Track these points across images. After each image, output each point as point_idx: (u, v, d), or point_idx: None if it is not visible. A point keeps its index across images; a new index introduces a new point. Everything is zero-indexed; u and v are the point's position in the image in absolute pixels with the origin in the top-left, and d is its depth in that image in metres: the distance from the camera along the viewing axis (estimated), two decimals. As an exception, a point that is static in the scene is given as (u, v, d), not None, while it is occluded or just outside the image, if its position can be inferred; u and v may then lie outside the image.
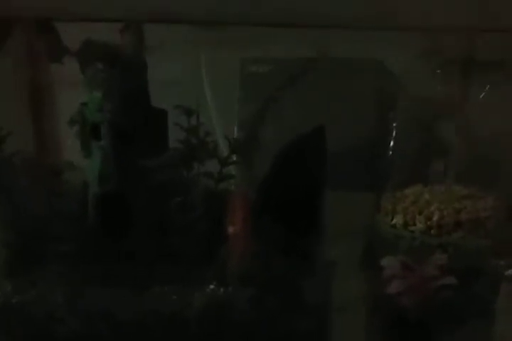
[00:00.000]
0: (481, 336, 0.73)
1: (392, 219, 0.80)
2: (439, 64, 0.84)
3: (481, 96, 0.83)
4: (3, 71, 0.75)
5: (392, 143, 0.90)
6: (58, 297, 0.68)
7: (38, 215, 0.72)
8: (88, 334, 0.68)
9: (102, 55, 0.70)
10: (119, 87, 0.70)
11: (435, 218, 0.78)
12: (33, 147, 0.80)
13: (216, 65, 0.93)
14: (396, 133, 0.91)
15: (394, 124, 0.91)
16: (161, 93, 0.74)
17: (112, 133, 0.70)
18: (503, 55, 0.79)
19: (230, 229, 0.75)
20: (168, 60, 0.82)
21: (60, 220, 0.72)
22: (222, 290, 0.68)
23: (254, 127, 0.93)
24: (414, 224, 0.78)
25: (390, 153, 0.90)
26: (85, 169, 0.73)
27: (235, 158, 0.81)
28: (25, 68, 0.72)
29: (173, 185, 0.76)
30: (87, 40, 0.70)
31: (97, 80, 0.69)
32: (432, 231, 0.78)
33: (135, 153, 0.71)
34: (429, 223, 0.78)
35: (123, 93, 0.70)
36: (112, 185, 0.71)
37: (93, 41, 0.71)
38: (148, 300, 0.68)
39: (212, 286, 0.69)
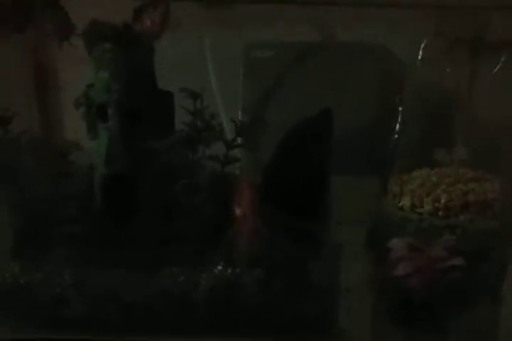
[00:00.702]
0: (487, 318, 0.73)
1: (399, 202, 0.80)
2: (448, 45, 0.83)
3: (491, 76, 0.83)
4: (7, 51, 0.74)
5: (398, 127, 0.90)
6: (65, 279, 0.68)
7: (44, 197, 0.72)
8: (95, 316, 0.68)
9: (108, 35, 0.69)
10: (126, 67, 0.69)
11: (443, 200, 0.77)
12: (38, 128, 0.80)
13: (220, 48, 0.93)
14: (402, 117, 0.90)
15: (400, 108, 0.91)
16: (167, 76, 0.74)
17: (118, 114, 0.69)
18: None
19: (237, 212, 0.74)
20: (173, 42, 0.81)
21: (66, 202, 0.72)
22: (229, 271, 0.68)
23: (259, 110, 0.93)
24: (422, 206, 0.78)
25: (396, 136, 0.89)
26: (92, 151, 0.72)
27: (240, 141, 0.81)
28: (31, 47, 0.72)
29: (179, 167, 0.76)
30: (94, 20, 0.70)
31: (104, 60, 0.69)
32: (440, 213, 0.77)
33: (142, 135, 0.71)
34: (436, 205, 0.78)
35: (130, 74, 0.70)
36: (118, 166, 0.70)
37: (100, 21, 0.70)
38: (156, 282, 0.68)
39: (219, 267, 0.68)
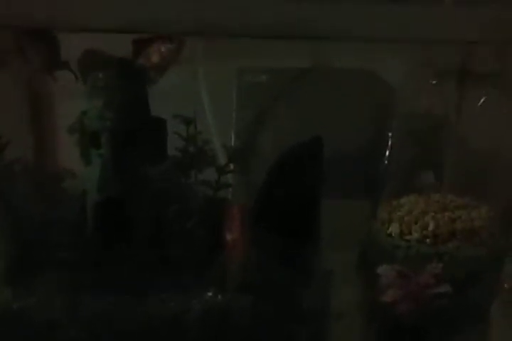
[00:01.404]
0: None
1: (388, 228, 0.81)
2: (435, 75, 0.85)
3: (477, 106, 0.84)
4: (2, 80, 0.75)
5: (387, 153, 0.91)
6: (58, 304, 0.68)
7: (37, 223, 0.73)
8: (88, 340, 0.68)
9: (102, 64, 0.70)
10: (120, 95, 0.70)
11: (430, 228, 0.78)
12: (32, 155, 0.81)
13: (213, 75, 0.94)
14: (391, 143, 0.91)
15: (389, 134, 0.92)
16: (159, 102, 0.75)
17: (111, 141, 0.70)
18: (498, 66, 0.80)
19: (228, 237, 0.75)
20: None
21: (59, 228, 0.73)
22: (220, 297, 0.69)
23: (251, 136, 0.94)
24: (410, 233, 0.79)
25: (386, 162, 0.91)
26: (84, 177, 0.73)
27: (232, 166, 0.82)
28: (25, 77, 0.73)
29: (171, 193, 0.77)
30: (88, 49, 0.71)
31: (98, 89, 0.70)
32: (428, 241, 0.78)
33: (134, 161, 0.72)
34: (424, 232, 0.78)
35: (123, 101, 0.71)
36: (111, 192, 0.71)
37: (94, 50, 0.71)
38: (147, 307, 0.69)
39: (210, 293, 0.69)
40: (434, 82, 0.84)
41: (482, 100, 0.84)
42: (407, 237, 0.79)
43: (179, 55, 0.72)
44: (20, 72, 0.69)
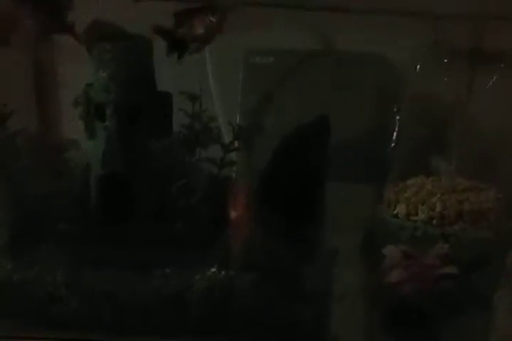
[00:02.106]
0: (478, 326, 0.73)
1: (394, 209, 0.80)
2: (445, 54, 0.84)
3: (488, 86, 0.83)
4: (7, 49, 0.74)
5: (395, 136, 0.90)
6: (59, 277, 0.68)
7: (39, 195, 0.72)
8: (88, 315, 0.68)
9: (109, 35, 0.69)
10: (126, 67, 0.69)
11: (438, 209, 0.78)
12: (36, 127, 0.80)
13: (220, 52, 0.93)
14: (399, 126, 0.91)
15: (397, 117, 0.91)
16: (166, 78, 0.74)
17: (116, 114, 0.70)
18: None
19: (232, 215, 0.74)
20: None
21: (62, 200, 0.72)
22: (223, 273, 0.68)
23: (257, 115, 0.93)
24: (417, 214, 0.79)
25: (393, 145, 0.90)
26: (88, 150, 0.72)
27: (237, 144, 0.81)
28: (29, 45, 0.71)
29: (175, 169, 0.76)
30: (96, 20, 0.70)
31: (104, 60, 0.69)
32: (434, 222, 0.78)
33: (139, 136, 0.71)
34: (431, 213, 0.78)
35: (129, 74, 0.70)
36: (114, 166, 0.70)
37: (101, 21, 0.70)
38: (149, 283, 0.68)
39: (213, 270, 0.68)
40: (445, 60, 0.82)
41: (493, 80, 0.83)
42: (414, 218, 0.78)
43: (221, 27, 0.70)
44: (25, 39, 0.67)
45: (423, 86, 0.89)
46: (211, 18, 0.69)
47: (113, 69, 0.69)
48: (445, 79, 0.84)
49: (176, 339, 0.67)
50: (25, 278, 0.68)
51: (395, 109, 0.91)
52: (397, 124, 0.91)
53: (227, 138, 0.82)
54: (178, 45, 0.70)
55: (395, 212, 0.80)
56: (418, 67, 0.87)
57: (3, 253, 0.70)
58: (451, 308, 0.71)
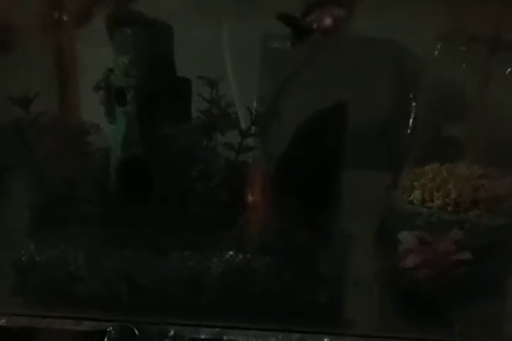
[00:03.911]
0: (492, 311, 0.73)
1: (409, 196, 0.81)
2: (463, 42, 0.84)
3: (505, 74, 0.83)
4: (29, 32, 0.75)
5: (411, 122, 0.91)
6: (80, 257, 0.69)
7: (62, 177, 0.73)
8: (108, 295, 0.69)
9: (130, 20, 0.70)
10: (146, 52, 0.70)
11: (453, 195, 0.78)
12: (58, 110, 0.81)
13: (238, 37, 0.93)
14: (415, 113, 0.91)
15: (413, 104, 0.91)
16: (185, 63, 0.75)
17: (137, 98, 0.70)
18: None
19: (249, 199, 0.75)
20: (191, 30, 0.82)
21: (83, 182, 0.73)
22: (240, 257, 0.69)
23: (274, 101, 0.94)
24: (432, 201, 0.79)
25: (409, 131, 0.90)
26: (109, 134, 0.73)
27: (254, 130, 0.82)
28: (52, 29, 0.72)
29: (194, 153, 0.77)
30: (116, 6, 0.71)
31: (125, 45, 0.70)
32: (449, 208, 0.78)
33: (159, 120, 0.72)
34: (446, 200, 0.78)
35: (149, 59, 0.70)
36: (134, 150, 0.71)
37: (122, 7, 0.71)
38: (167, 265, 0.69)
39: (230, 253, 0.70)
40: (463, 48, 0.82)
41: (511, 68, 0.83)
42: (429, 204, 0.79)
43: (347, 21, 0.71)
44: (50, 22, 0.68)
45: (440, 73, 0.89)
46: (340, 11, 0.70)
47: (134, 54, 0.70)
48: (463, 66, 0.84)
49: (192, 321, 0.69)
50: (47, 258, 0.69)
51: (411, 96, 0.91)
52: (413, 111, 0.91)
53: (244, 123, 0.83)
54: (301, 33, 0.70)
55: (410, 198, 0.81)
56: (436, 53, 0.87)
57: (27, 234, 0.72)
58: (464, 293, 0.72)
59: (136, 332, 0.66)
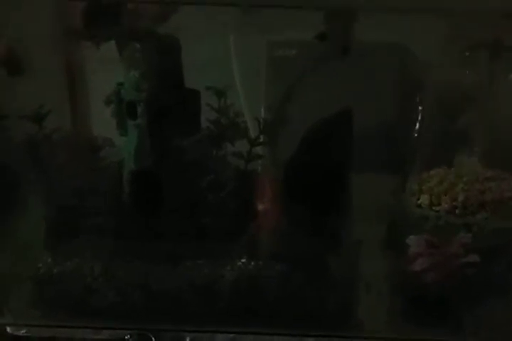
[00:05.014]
0: (500, 314, 0.74)
1: (418, 200, 0.82)
2: (467, 48, 0.85)
3: (510, 78, 0.84)
4: (42, 51, 0.77)
5: (417, 126, 0.92)
6: (96, 269, 0.71)
7: (75, 190, 0.75)
8: (123, 305, 0.71)
9: (139, 35, 0.72)
10: (156, 66, 0.72)
11: (460, 198, 0.79)
12: (71, 126, 0.83)
13: (244, 47, 0.94)
14: (422, 116, 0.92)
15: (420, 108, 0.92)
16: (193, 74, 0.76)
17: (147, 111, 0.72)
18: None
19: (259, 207, 0.77)
20: (197, 41, 0.83)
21: (97, 195, 0.75)
22: (252, 264, 0.71)
23: (281, 108, 0.95)
24: (440, 204, 0.80)
25: (416, 135, 0.91)
26: (121, 147, 0.75)
27: (262, 138, 0.83)
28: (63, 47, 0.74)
29: (204, 164, 0.78)
30: (124, 22, 0.72)
31: (135, 60, 0.71)
32: (457, 212, 0.79)
33: (169, 132, 0.74)
34: (454, 203, 0.79)
35: (159, 73, 0.72)
36: (146, 162, 0.73)
37: (130, 22, 0.72)
38: (182, 274, 0.71)
39: (243, 260, 0.71)
40: (467, 54, 0.83)
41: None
42: (437, 208, 0.80)
43: None
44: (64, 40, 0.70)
45: (446, 76, 0.89)
46: None
47: (144, 68, 0.71)
48: (467, 72, 0.85)
49: (208, 327, 0.70)
50: (64, 270, 0.71)
51: (417, 100, 0.92)
52: (419, 115, 0.92)
53: (252, 132, 0.84)
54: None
55: (418, 202, 0.81)
56: (441, 58, 0.88)
57: (44, 247, 0.74)
58: (473, 296, 0.73)
59: (153, 339, 0.68)
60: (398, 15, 0.84)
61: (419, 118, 0.92)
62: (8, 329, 0.70)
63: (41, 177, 0.76)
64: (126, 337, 0.68)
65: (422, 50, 0.92)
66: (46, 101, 0.75)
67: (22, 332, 0.69)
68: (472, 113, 0.90)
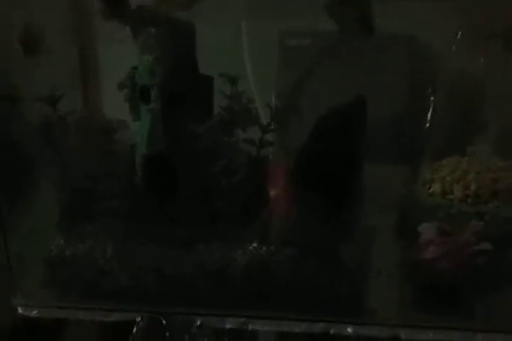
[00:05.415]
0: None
1: (429, 188, 0.82)
2: (481, 36, 0.84)
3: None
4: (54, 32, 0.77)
5: (429, 116, 0.91)
6: (108, 251, 0.71)
7: (89, 173, 0.75)
8: (135, 287, 0.71)
9: (154, 20, 0.71)
10: (171, 51, 0.72)
11: (472, 187, 0.79)
12: (85, 109, 0.83)
13: (256, 35, 0.94)
14: (434, 106, 0.91)
15: (432, 98, 0.92)
16: (205, 61, 0.76)
17: (161, 96, 0.72)
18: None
19: (271, 193, 0.77)
20: (210, 28, 0.83)
21: (109, 179, 0.75)
22: (264, 249, 0.71)
23: (292, 97, 0.95)
24: (452, 193, 0.80)
25: (428, 125, 0.91)
26: (134, 131, 0.75)
27: (274, 125, 0.83)
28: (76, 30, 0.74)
29: (216, 149, 0.78)
30: (140, 5, 0.72)
31: (149, 45, 0.71)
32: (469, 200, 0.79)
33: (182, 117, 0.74)
34: (466, 192, 0.79)
35: (173, 58, 0.72)
36: (158, 147, 0.73)
37: (145, 6, 0.72)
38: (194, 258, 0.71)
39: (254, 245, 0.71)
40: (479, 42, 0.83)
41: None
42: (449, 197, 0.80)
43: None
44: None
45: (458, 66, 0.89)
46: None
47: (158, 53, 0.71)
48: (481, 60, 0.85)
49: (218, 311, 0.70)
50: (77, 252, 0.71)
51: (429, 90, 0.91)
52: (431, 105, 0.92)
53: (264, 119, 0.84)
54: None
55: (430, 190, 0.82)
56: (453, 47, 0.88)
57: (57, 229, 0.74)
58: (485, 284, 0.73)
59: (164, 322, 0.68)
60: (411, 4, 0.84)
61: (432, 108, 0.91)
62: (20, 310, 0.70)
63: (55, 160, 0.76)
64: (137, 320, 0.68)
65: (434, 39, 0.92)
66: (60, 84, 0.75)
67: (33, 313, 0.70)
68: (485, 102, 0.90)
